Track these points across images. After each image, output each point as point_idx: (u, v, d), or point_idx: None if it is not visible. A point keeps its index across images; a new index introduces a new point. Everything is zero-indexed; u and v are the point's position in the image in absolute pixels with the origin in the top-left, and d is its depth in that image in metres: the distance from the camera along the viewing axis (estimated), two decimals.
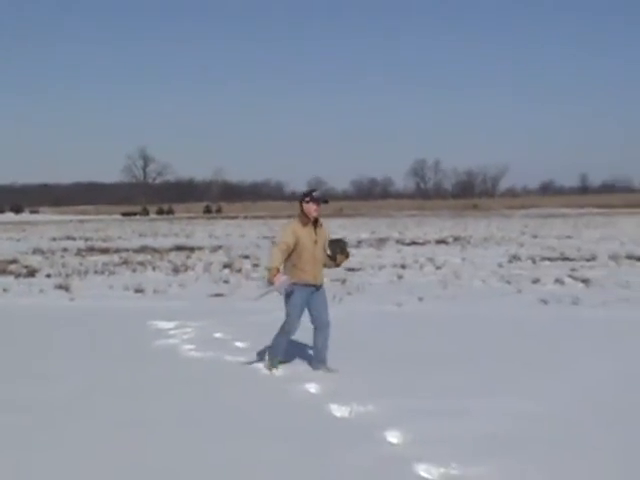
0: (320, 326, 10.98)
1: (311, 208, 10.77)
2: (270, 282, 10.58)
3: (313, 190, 11.06)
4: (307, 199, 10.80)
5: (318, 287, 10.90)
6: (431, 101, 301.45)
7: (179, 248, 40.19)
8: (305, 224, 10.77)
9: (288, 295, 10.68)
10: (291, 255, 10.68)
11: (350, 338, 13.59)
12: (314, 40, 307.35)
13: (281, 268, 10.59)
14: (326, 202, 10.90)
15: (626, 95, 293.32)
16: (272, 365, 11.03)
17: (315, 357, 11.12)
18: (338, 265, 11.24)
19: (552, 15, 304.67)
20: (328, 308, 11.09)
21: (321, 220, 10.94)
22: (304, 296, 10.81)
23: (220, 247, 40.71)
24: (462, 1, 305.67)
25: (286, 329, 10.93)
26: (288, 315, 10.87)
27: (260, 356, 11.79)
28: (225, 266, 28.31)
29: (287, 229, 10.77)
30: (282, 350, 11.06)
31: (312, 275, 10.80)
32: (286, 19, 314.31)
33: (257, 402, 9.48)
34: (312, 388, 10.11)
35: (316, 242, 10.80)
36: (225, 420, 8.71)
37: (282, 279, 10.49)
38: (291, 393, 9.91)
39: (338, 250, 11.01)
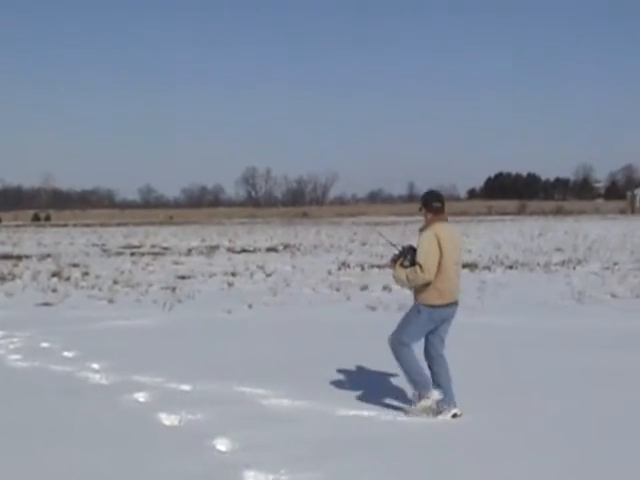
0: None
1: None
2: None
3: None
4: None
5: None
6: (261, 109, 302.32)
7: (5, 257, 39.14)
8: None
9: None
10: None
11: (179, 345, 13.59)
12: (137, 46, 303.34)
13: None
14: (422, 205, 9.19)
15: (452, 106, 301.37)
16: (425, 396, 8.90)
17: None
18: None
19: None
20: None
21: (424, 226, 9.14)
22: None
23: (49, 255, 39.87)
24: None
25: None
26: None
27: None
28: (54, 275, 27.75)
29: None
30: (416, 370, 9.04)
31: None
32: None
33: (85, 412, 9.35)
34: (141, 397, 10.03)
35: None
36: (52, 430, 8.55)
37: None
38: (120, 402, 9.81)
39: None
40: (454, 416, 8.81)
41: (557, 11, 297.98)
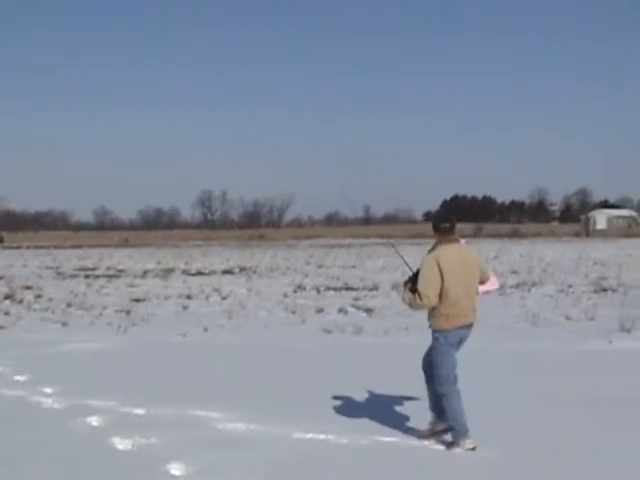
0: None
1: None
2: None
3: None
4: None
5: None
6: (218, 131, 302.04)
7: None
8: None
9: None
10: None
11: (133, 369, 13.49)
12: (82, 67, 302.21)
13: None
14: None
15: (408, 129, 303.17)
16: (463, 440, 8.59)
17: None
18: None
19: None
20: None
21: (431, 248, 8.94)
22: None
23: (1, 278, 39.46)
24: None
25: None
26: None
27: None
28: (6, 297, 27.47)
29: None
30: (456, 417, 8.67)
31: None
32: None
33: (37, 436, 9.23)
34: (94, 421, 9.93)
35: None
36: (1, 456, 8.44)
37: None
38: (72, 427, 9.69)
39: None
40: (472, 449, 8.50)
41: (505, 41, 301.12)
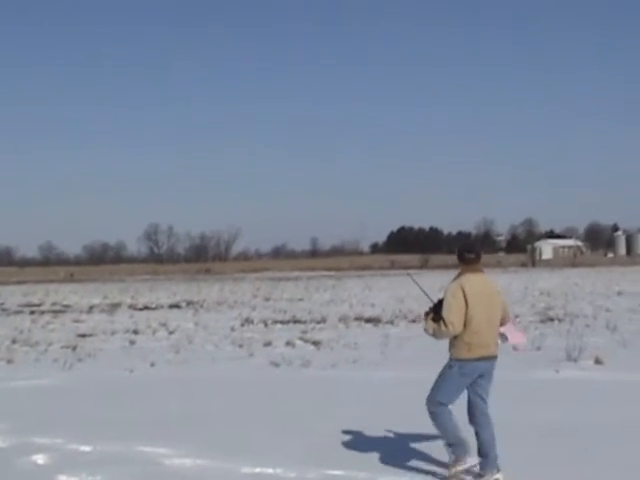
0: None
1: None
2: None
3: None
4: None
5: None
6: (163, 166, 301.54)
7: None
8: None
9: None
10: None
11: (79, 405, 13.36)
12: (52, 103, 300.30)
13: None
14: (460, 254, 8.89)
15: (351, 161, 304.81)
16: (461, 460, 8.63)
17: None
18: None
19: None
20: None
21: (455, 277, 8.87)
22: None
23: None
24: None
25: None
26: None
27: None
28: None
29: None
30: (452, 432, 8.70)
31: None
32: None
33: None
34: (40, 459, 9.81)
35: None
36: None
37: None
38: (17, 465, 9.57)
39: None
40: None
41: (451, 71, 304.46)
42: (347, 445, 10.25)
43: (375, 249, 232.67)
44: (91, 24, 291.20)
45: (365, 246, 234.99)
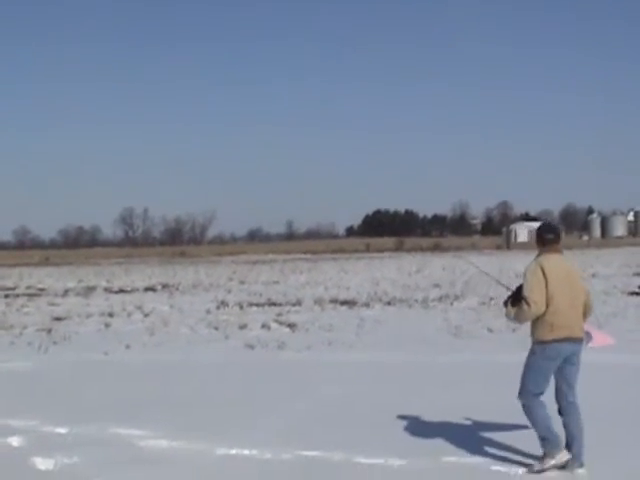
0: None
1: None
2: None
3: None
4: None
5: None
6: (138, 148, 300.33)
7: None
8: None
9: None
10: None
11: (54, 388, 13.34)
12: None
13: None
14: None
15: (327, 144, 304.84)
16: (552, 455, 8.26)
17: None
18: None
19: None
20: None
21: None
22: None
23: None
24: None
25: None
26: None
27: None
28: None
29: None
30: (544, 426, 8.35)
31: None
32: None
33: None
34: (14, 441, 9.80)
35: None
36: None
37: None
38: None
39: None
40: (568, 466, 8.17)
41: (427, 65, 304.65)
42: (323, 426, 10.29)
43: (350, 232, 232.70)
44: None
45: (341, 229, 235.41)
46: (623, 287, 32.77)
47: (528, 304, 8.10)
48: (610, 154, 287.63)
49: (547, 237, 8.49)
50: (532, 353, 8.32)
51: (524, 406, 8.35)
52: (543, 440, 8.26)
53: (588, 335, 8.52)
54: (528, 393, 8.29)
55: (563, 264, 8.42)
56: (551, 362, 8.21)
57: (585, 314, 8.49)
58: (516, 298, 8.33)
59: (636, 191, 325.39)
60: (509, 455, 8.77)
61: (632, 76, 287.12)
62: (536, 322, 8.23)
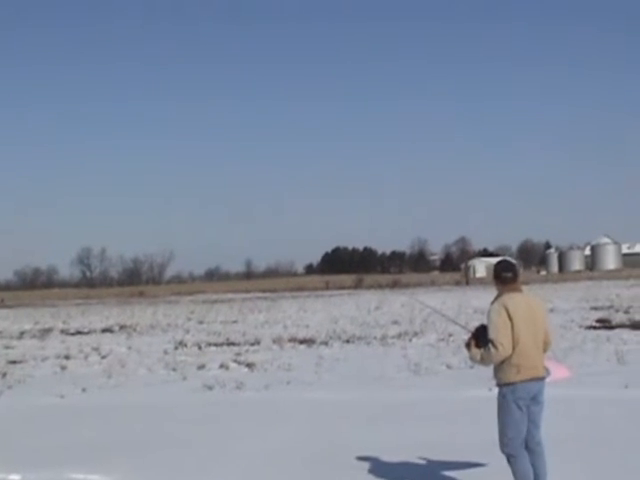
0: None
1: None
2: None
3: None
4: None
5: None
6: (95, 188, 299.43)
7: None
8: None
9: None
10: None
11: (8, 433, 13.19)
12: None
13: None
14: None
15: (285, 182, 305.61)
16: None
17: None
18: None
19: None
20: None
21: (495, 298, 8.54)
22: None
23: None
24: None
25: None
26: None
27: None
28: None
29: None
30: None
31: None
32: None
33: None
34: None
35: None
36: None
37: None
38: None
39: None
40: None
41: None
42: (278, 467, 10.21)
43: (310, 270, 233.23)
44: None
45: (300, 267, 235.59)
46: (581, 321, 33.01)
47: (495, 347, 7.92)
48: (567, 190, 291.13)
49: (505, 276, 8.35)
50: (502, 396, 8.13)
51: (511, 457, 8.15)
52: None
53: (547, 370, 8.38)
54: (512, 442, 8.10)
55: (525, 303, 8.24)
56: (522, 402, 8.07)
57: (544, 350, 8.36)
58: (479, 339, 8.16)
59: (592, 225, 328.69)
60: None
61: (581, 118, 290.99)
62: (502, 364, 8.06)
